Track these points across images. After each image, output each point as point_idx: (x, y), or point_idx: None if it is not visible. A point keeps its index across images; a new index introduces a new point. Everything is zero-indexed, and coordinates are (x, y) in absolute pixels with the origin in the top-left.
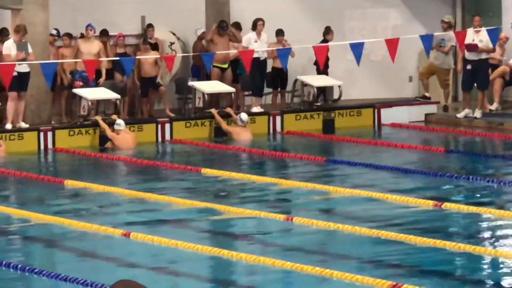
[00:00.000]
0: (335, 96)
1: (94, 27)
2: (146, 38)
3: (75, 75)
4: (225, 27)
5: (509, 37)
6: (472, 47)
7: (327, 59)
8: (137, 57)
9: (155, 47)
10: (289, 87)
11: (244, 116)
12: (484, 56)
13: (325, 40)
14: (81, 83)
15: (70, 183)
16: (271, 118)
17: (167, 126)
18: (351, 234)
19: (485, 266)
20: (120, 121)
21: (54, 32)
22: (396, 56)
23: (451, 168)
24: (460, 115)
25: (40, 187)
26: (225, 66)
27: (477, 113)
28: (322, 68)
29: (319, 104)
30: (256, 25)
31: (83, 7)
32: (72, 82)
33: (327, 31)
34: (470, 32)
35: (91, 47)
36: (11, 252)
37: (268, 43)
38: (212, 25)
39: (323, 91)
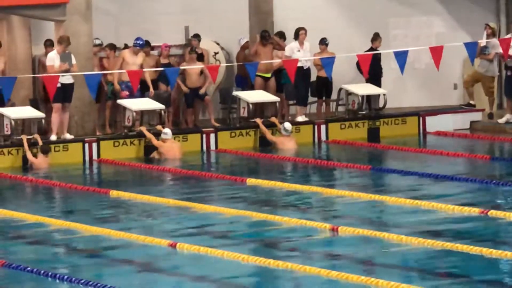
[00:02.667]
0: (380, 104)
1: (143, 41)
2: (193, 48)
3: (121, 85)
4: (267, 37)
5: None
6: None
7: (380, 66)
8: (181, 67)
9: (200, 57)
10: (333, 96)
11: (287, 125)
12: None
13: (372, 48)
14: (127, 93)
15: (115, 194)
16: (316, 127)
17: (212, 136)
18: (396, 243)
19: None
20: (167, 130)
21: (98, 42)
22: (441, 63)
23: (497, 176)
24: (502, 120)
25: (86, 198)
26: (268, 75)
27: None
28: (367, 76)
29: (364, 112)
30: (299, 34)
31: (127, 17)
32: (119, 92)
33: (375, 37)
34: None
35: (136, 58)
36: (58, 262)
37: (311, 52)
38: (255, 34)
39: (368, 99)
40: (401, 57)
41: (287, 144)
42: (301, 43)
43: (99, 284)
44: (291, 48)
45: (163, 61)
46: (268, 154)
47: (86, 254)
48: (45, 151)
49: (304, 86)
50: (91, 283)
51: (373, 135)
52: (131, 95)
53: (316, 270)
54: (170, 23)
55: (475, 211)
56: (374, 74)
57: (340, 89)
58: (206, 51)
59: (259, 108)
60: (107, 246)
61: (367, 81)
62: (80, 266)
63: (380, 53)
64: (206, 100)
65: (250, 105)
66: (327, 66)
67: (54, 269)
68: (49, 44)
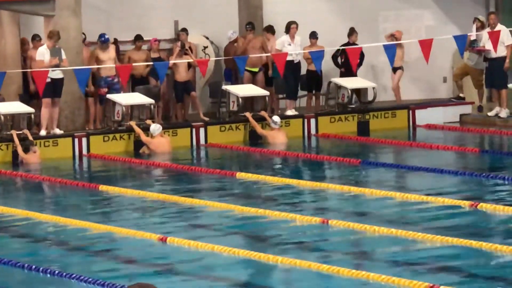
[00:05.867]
0: (370, 98)
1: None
2: (184, 46)
3: (100, 81)
4: (249, 29)
5: None
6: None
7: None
8: (171, 61)
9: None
10: (323, 89)
11: (276, 118)
12: (493, 55)
13: (348, 43)
14: (106, 89)
15: (105, 189)
16: (305, 120)
17: (202, 130)
18: (387, 236)
19: None
20: (154, 126)
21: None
22: (430, 57)
23: (487, 169)
24: (491, 113)
25: (75, 193)
26: (256, 69)
27: (503, 113)
28: (355, 69)
29: (353, 106)
30: (290, 28)
31: (116, 12)
32: (97, 89)
33: (351, 32)
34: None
35: (109, 54)
36: (48, 257)
37: (302, 46)
38: (245, 29)
39: (357, 93)
40: (390, 50)
41: (277, 137)
42: (292, 37)
43: (89, 279)
44: (282, 41)
45: (153, 55)
46: (258, 148)
47: (75, 248)
48: (25, 149)
49: (293, 80)
50: (81, 277)
51: (363, 128)
52: (113, 91)
53: (307, 264)
54: (160, 17)
55: (464, 204)
56: (349, 67)
57: (330, 83)
58: (194, 45)
59: (249, 102)
60: (97, 241)
61: (343, 73)
62: (69, 261)
63: (361, 48)
64: (192, 96)
65: (240, 99)
66: (316, 60)
67: (43, 264)
68: (38, 40)
